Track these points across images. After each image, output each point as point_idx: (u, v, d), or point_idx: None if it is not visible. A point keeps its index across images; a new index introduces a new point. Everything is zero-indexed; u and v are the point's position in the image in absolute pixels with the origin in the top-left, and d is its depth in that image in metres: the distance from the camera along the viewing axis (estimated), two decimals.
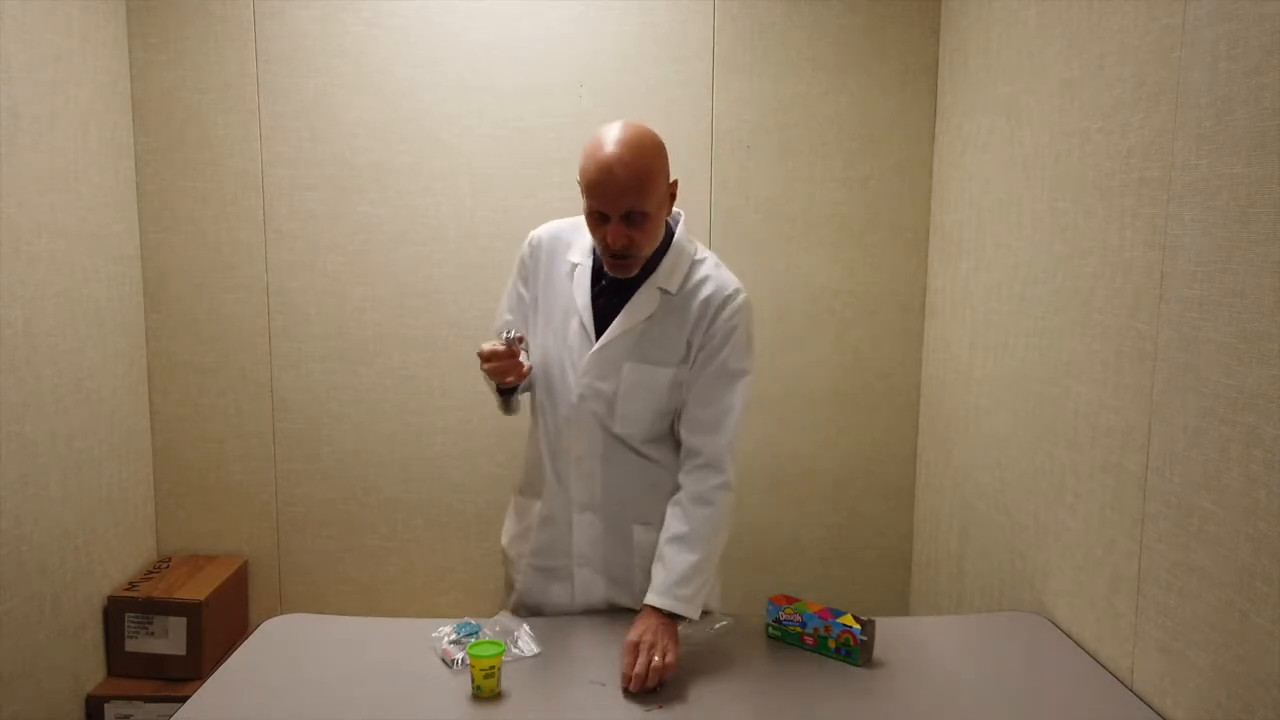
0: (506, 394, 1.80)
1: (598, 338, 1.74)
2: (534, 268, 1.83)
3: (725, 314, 1.72)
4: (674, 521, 1.70)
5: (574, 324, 1.76)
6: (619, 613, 1.87)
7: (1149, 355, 1.58)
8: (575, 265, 1.79)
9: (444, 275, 2.65)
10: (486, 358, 1.66)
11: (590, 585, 1.84)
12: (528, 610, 1.88)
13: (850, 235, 2.69)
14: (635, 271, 1.70)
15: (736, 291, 1.74)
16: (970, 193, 2.38)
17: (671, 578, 1.65)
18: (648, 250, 1.69)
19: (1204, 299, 1.44)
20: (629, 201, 1.58)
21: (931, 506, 2.66)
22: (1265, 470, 1.30)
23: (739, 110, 2.63)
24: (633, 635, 1.60)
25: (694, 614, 1.66)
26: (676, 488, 1.75)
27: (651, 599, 1.65)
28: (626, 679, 1.55)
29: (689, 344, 1.73)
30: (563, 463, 1.81)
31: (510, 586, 1.93)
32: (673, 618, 1.64)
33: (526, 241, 1.85)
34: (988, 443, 2.26)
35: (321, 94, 2.59)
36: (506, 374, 1.67)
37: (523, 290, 1.85)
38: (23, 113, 2.13)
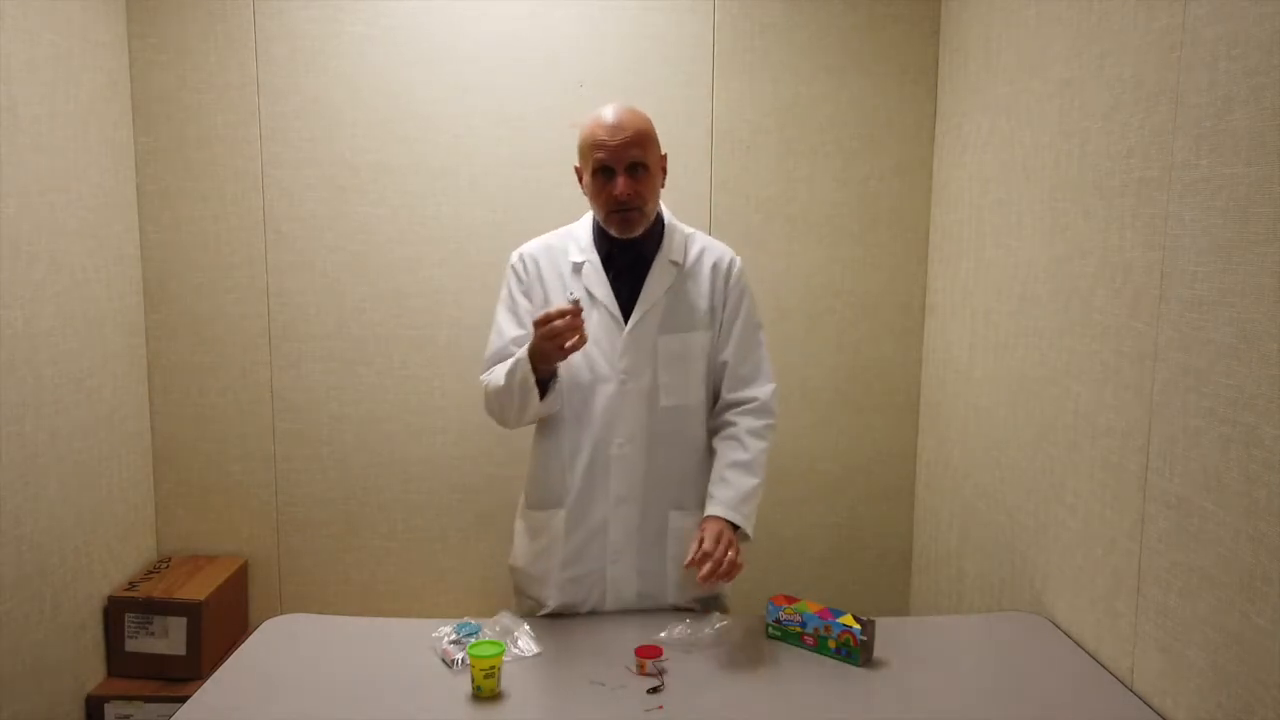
0: (544, 384, 1.76)
1: (626, 319, 1.82)
2: (531, 280, 1.89)
3: (734, 277, 1.90)
4: (734, 450, 1.84)
5: (595, 315, 1.82)
6: (624, 614, 1.88)
7: (1149, 355, 1.59)
8: (581, 263, 1.86)
9: (444, 275, 2.65)
10: (553, 317, 1.61)
11: (623, 581, 1.87)
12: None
13: (850, 235, 2.69)
14: (640, 229, 1.80)
15: (734, 256, 1.93)
16: (970, 193, 2.38)
17: (737, 496, 1.79)
18: (650, 207, 1.80)
19: (1204, 299, 1.44)
20: (634, 153, 1.74)
21: (931, 506, 2.66)
22: (1265, 470, 1.30)
23: (739, 110, 2.62)
24: (710, 530, 1.72)
25: (751, 533, 1.80)
26: (710, 459, 1.87)
27: (720, 511, 1.77)
28: (701, 556, 1.67)
29: (711, 309, 1.87)
30: (600, 457, 1.83)
31: (535, 605, 1.90)
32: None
33: (516, 258, 1.91)
34: (988, 443, 2.26)
35: (321, 94, 2.59)
36: (572, 335, 1.62)
37: (525, 301, 1.88)
38: (23, 113, 2.13)
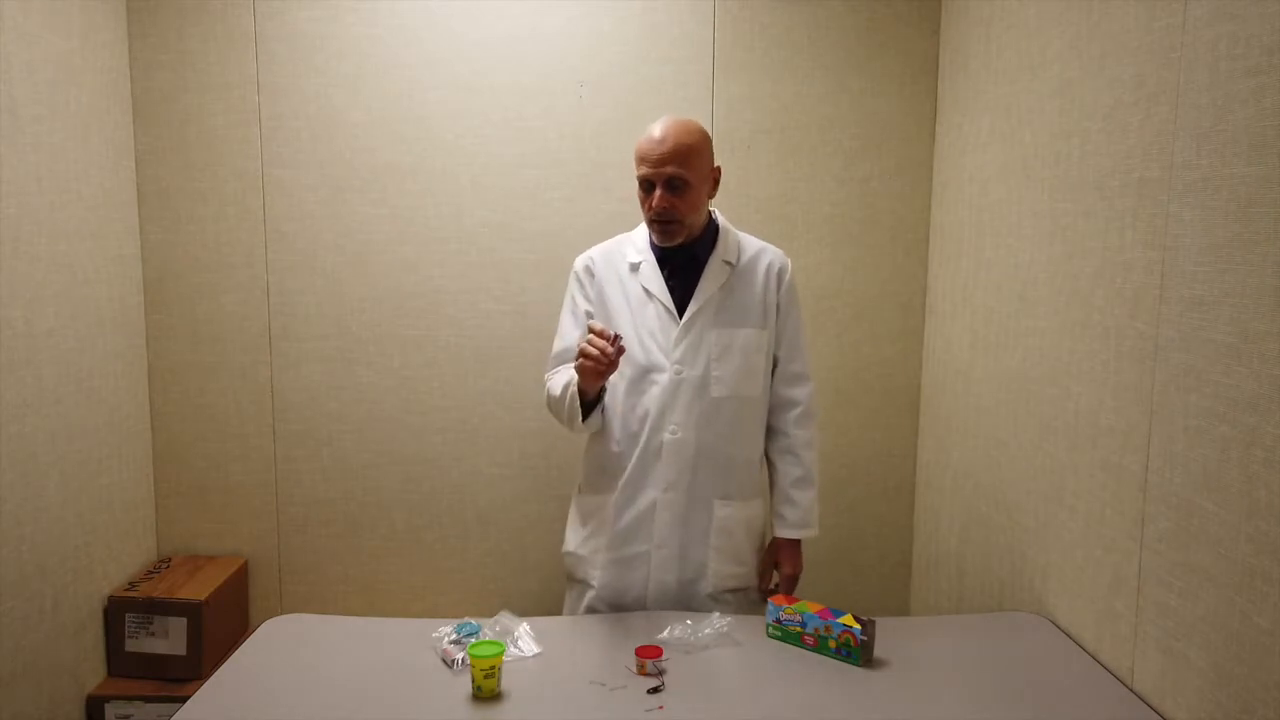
0: (590, 406, 1.88)
1: (680, 314, 1.91)
2: (593, 281, 1.99)
3: (788, 277, 2.01)
4: (793, 467, 2.01)
5: (651, 309, 1.93)
6: (621, 614, 1.89)
7: (1149, 355, 1.58)
8: (639, 263, 1.96)
9: (444, 275, 2.65)
10: (589, 351, 1.71)
11: (666, 566, 1.94)
12: (608, 607, 1.95)
13: (850, 235, 2.69)
14: (679, 239, 1.90)
15: (786, 259, 2.03)
16: (970, 193, 2.38)
17: (805, 514, 2.01)
18: (689, 219, 1.88)
19: (1204, 299, 1.44)
20: (670, 169, 1.82)
21: (931, 506, 2.66)
22: (1265, 470, 1.30)
23: (739, 110, 2.63)
24: (787, 569, 2.02)
25: (817, 531, 2.04)
26: (761, 452, 2.03)
27: (792, 533, 2.01)
28: (776, 591, 2.03)
29: (765, 308, 1.96)
30: (653, 442, 1.91)
31: (583, 588, 1.99)
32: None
33: (582, 262, 2.01)
34: (988, 443, 2.26)
35: (321, 94, 2.59)
36: (601, 366, 1.72)
37: (586, 304, 1.98)
38: (23, 113, 2.13)
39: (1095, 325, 1.76)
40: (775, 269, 1.99)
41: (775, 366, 2.01)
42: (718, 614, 1.82)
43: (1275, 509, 1.29)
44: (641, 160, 1.85)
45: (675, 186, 1.84)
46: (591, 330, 1.74)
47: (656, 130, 1.85)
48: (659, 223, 1.87)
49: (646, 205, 1.88)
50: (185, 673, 2.44)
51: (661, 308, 1.92)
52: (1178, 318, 1.51)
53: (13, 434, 2.10)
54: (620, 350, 1.73)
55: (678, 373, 1.90)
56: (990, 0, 2.27)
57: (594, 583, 1.96)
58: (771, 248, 2.03)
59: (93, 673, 2.43)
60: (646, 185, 1.86)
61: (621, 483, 1.94)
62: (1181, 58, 1.51)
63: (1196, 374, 1.46)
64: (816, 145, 2.65)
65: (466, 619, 1.76)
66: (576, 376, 1.82)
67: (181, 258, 2.64)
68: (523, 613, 1.84)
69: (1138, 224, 1.62)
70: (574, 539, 2.03)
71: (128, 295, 2.57)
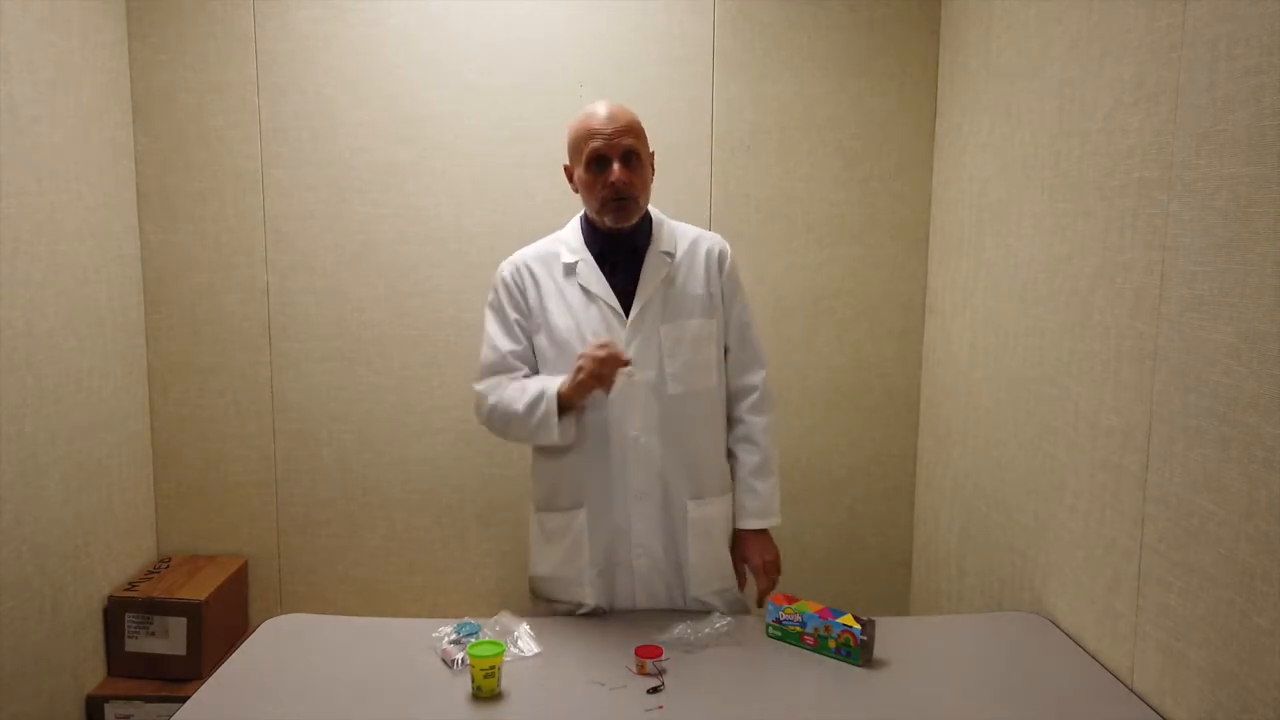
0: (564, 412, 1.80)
1: (626, 313, 1.84)
2: (525, 288, 1.90)
3: (729, 263, 1.94)
4: (750, 455, 1.96)
5: (595, 311, 1.85)
6: (624, 614, 1.88)
7: (1149, 355, 1.59)
8: (574, 263, 1.88)
9: (444, 275, 2.65)
10: (599, 358, 1.70)
11: (651, 575, 1.89)
12: None
13: (850, 235, 2.69)
14: (634, 219, 1.83)
15: (725, 244, 1.97)
16: (970, 193, 2.38)
17: (766, 502, 1.96)
18: (643, 198, 1.83)
19: (1204, 299, 1.44)
20: (628, 140, 1.78)
21: (931, 506, 2.66)
22: (1265, 470, 1.30)
23: (739, 110, 2.63)
24: (755, 560, 1.96)
25: (779, 520, 1.98)
26: (725, 445, 1.97)
27: (756, 523, 1.95)
28: (764, 592, 1.96)
29: (710, 296, 1.90)
30: (616, 451, 1.84)
31: (572, 607, 1.90)
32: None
33: (508, 271, 1.92)
34: (988, 443, 2.26)
35: (321, 94, 2.59)
36: (612, 367, 1.70)
37: (518, 315, 1.89)
38: (23, 113, 2.13)
39: (1095, 325, 1.76)
40: (715, 255, 1.92)
41: (726, 355, 1.95)
42: (717, 614, 1.82)
43: (1275, 509, 1.29)
44: (593, 135, 1.77)
45: (630, 160, 1.78)
46: (604, 346, 1.71)
47: (601, 109, 1.80)
48: (617, 200, 1.78)
49: (599, 185, 1.78)
50: (185, 673, 2.44)
51: (606, 308, 1.84)
52: (1178, 318, 1.51)
53: (13, 434, 2.10)
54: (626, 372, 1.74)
55: (630, 375, 1.80)
56: (990, 0, 2.27)
57: (589, 601, 1.88)
58: (709, 234, 1.96)
59: (92, 673, 2.43)
60: (600, 163, 1.78)
61: (589, 497, 1.86)
62: (1181, 58, 1.51)
63: (1196, 374, 1.46)
64: (816, 145, 2.65)
65: (466, 619, 1.76)
66: (552, 388, 1.77)
67: (181, 258, 2.64)
68: (522, 613, 1.84)
69: (1138, 224, 1.62)
70: (550, 561, 1.91)
71: (128, 295, 2.57)
